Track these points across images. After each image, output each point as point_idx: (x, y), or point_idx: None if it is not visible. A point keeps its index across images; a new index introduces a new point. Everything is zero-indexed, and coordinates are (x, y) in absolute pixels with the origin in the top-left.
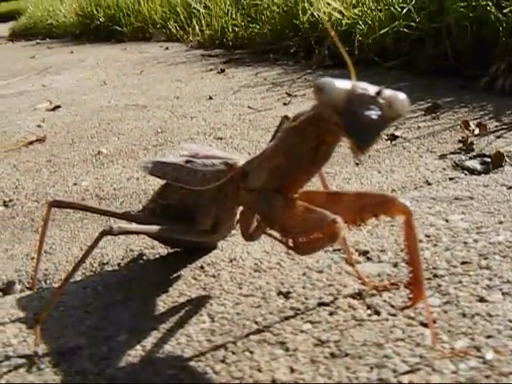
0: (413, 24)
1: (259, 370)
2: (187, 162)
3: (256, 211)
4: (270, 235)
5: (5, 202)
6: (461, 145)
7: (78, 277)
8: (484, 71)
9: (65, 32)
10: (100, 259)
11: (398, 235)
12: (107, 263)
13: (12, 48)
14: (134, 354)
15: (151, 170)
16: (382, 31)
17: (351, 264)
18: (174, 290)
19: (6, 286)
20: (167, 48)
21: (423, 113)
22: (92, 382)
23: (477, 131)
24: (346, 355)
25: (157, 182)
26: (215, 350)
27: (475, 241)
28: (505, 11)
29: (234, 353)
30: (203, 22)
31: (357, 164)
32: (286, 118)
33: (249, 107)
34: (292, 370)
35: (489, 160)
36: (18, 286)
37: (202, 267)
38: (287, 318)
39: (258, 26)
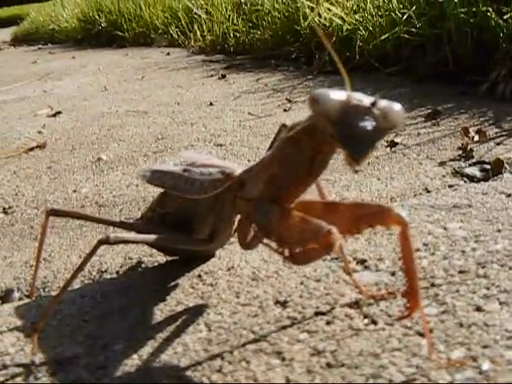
0: (413, 30)
1: (255, 380)
2: (185, 170)
3: (252, 221)
4: (266, 245)
5: (4, 208)
6: (460, 152)
7: (76, 285)
8: (485, 77)
9: (67, 37)
10: (99, 267)
11: (396, 244)
12: (106, 271)
13: (14, 53)
14: (131, 363)
15: (149, 178)
16: (382, 37)
17: (348, 273)
18: (171, 298)
19: (5, 294)
20: (168, 53)
21: (423, 119)
22: None
23: (476, 138)
24: (342, 365)
25: (156, 190)
26: (212, 359)
27: (473, 249)
28: (505, 17)
29: (230, 362)
30: (204, 27)
31: (356, 171)
32: (284, 126)
33: (249, 113)
34: (288, 380)
35: (488, 167)
36: (16, 294)
37: (199, 276)
38: (284, 328)
39: (259, 32)
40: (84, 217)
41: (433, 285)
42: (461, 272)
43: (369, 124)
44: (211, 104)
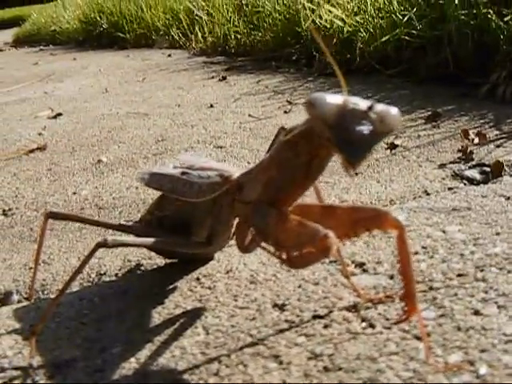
0: (414, 32)
1: None
2: (183, 173)
3: (251, 224)
4: (264, 248)
5: (4, 210)
6: (460, 154)
7: (75, 287)
8: (485, 79)
9: (68, 38)
10: (98, 269)
11: (394, 247)
12: (105, 274)
13: (15, 54)
14: (128, 366)
15: (148, 181)
16: (383, 39)
17: (346, 276)
18: (169, 301)
19: (4, 297)
20: (170, 55)
21: (424, 121)
22: None
23: (476, 140)
24: (340, 369)
25: (156, 192)
26: (209, 363)
27: (472, 252)
28: (506, 19)
29: (227, 366)
30: (206, 29)
31: (352, 175)
32: (282, 129)
33: (249, 115)
34: None
35: (488, 169)
36: (15, 297)
37: (198, 279)
38: (282, 331)
39: (260, 33)
40: (82, 220)
41: (431, 288)
42: (459, 275)
43: (365, 128)
44: (211, 106)
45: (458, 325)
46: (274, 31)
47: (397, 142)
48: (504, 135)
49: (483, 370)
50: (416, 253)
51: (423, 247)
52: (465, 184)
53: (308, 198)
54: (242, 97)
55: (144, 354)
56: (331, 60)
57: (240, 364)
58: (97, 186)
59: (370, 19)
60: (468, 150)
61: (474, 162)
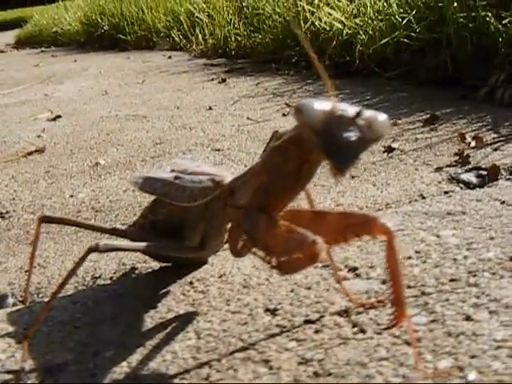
0: (413, 34)
1: None
2: (176, 178)
3: (242, 229)
4: (254, 253)
5: (1, 213)
6: (457, 157)
7: (69, 291)
8: (484, 82)
9: (69, 40)
10: (93, 273)
11: None
12: (99, 277)
13: (16, 56)
14: (120, 370)
15: (141, 185)
16: (382, 41)
17: (338, 281)
18: (162, 305)
19: None
20: (170, 57)
21: (421, 124)
22: None
23: (473, 144)
24: (329, 374)
25: (152, 196)
26: (200, 367)
27: (465, 257)
28: (504, 22)
29: (218, 370)
30: (206, 31)
31: (352, 177)
32: (276, 133)
33: (248, 118)
34: None
35: (485, 173)
36: (10, 300)
37: (191, 283)
38: (273, 336)
39: (260, 36)
40: (76, 223)
41: (423, 293)
42: (451, 280)
43: (353, 134)
44: (210, 108)
45: (448, 330)
46: (274, 33)
47: (394, 145)
48: (502, 138)
49: (472, 376)
50: (409, 257)
51: (416, 252)
52: (461, 188)
53: (302, 202)
54: (241, 99)
55: (136, 358)
56: (316, 61)
57: (230, 369)
58: (94, 188)
59: (369, 22)
60: (465, 154)
61: (470, 166)
